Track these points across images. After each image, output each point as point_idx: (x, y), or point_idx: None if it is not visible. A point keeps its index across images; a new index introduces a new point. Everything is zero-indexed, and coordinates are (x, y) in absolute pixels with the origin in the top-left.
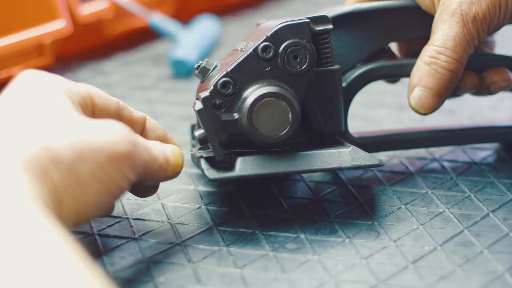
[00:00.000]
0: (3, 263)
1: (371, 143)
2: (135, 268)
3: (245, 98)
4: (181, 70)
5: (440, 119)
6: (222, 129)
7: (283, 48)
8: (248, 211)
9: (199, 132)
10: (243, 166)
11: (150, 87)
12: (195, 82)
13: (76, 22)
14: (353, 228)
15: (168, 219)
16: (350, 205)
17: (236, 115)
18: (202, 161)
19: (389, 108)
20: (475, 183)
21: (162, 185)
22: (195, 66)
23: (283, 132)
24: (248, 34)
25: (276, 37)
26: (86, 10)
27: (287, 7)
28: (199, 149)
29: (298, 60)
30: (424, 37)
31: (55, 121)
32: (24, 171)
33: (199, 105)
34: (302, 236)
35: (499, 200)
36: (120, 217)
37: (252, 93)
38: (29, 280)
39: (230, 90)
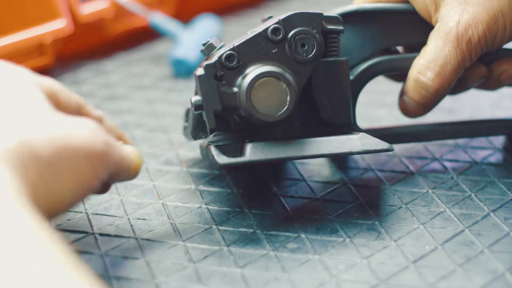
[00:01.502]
0: None
1: (379, 136)
2: (136, 267)
3: (247, 74)
4: (182, 70)
5: (441, 119)
6: (219, 99)
7: (293, 34)
8: (249, 211)
9: (195, 98)
10: (254, 151)
11: (150, 86)
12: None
13: (77, 22)
14: (354, 227)
15: (169, 218)
16: (350, 205)
17: (235, 89)
18: (212, 148)
19: (389, 108)
20: (476, 183)
21: (162, 184)
22: (203, 43)
23: (279, 113)
24: (258, 25)
25: (288, 22)
26: (86, 10)
27: (287, 7)
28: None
29: (305, 48)
30: (425, 44)
31: (32, 115)
32: (4, 164)
33: (200, 71)
34: (303, 235)
35: (499, 200)
36: (121, 217)
37: (254, 70)
38: (5, 272)
39: (234, 63)
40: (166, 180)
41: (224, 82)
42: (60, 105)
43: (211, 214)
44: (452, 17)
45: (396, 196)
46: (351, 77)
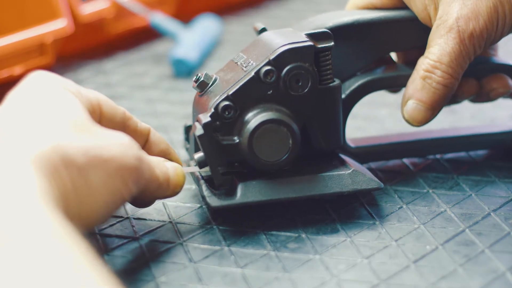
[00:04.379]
0: (5, 258)
1: (367, 153)
2: (137, 267)
3: (246, 122)
4: (182, 70)
5: (442, 118)
6: (222, 154)
7: (286, 72)
8: (249, 211)
9: (198, 155)
10: (245, 193)
11: (150, 86)
12: None
13: (77, 22)
14: (355, 227)
15: (169, 218)
16: (351, 205)
17: (236, 139)
18: (203, 187)
19: (390, 108)
20: (476, 183)
21: None
22: (194, 79)
23: (283, 158)
24: (247, 45)
25: (279, 61)
26: (87, 10)
27: (287, 6)
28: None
29: (300, 83)
30: (423, 47)
31: (68, 123)
32: (35, 167)
33: (199, 130)
34: (304, 235)
35: (500, 200)
36: (121, 217)
37: (253, 118)
38: (31, 276)
39: (231, 114)
40: None
41: (222, 132)
42: (104, 117)
43: (211, 214)
44: (451, 14)
45: (396, 196)
46: (342, 96)
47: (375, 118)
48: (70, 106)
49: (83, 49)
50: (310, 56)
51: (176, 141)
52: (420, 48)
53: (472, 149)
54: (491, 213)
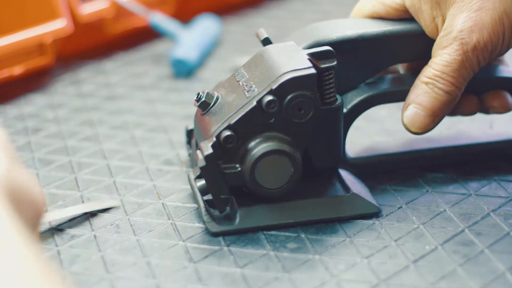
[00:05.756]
0: None
1: (366, 164)
2: (136, 267)
3: (248, 151)
4: (182, 70)
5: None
6: (224, 183)
7: (288, 101)
8: None
9: (200, 183)
10: (244, 218)
11: (150, 86)
12: (196, 81)
13: (77, 22)
14: (354, 227)
15: (169, 218)
16: None
17: (238, 167)
18: (203, 212)
19: (390, 108)
20: (476, 183)
21: (162, 184)
22: (195, 98)
23: (285, 185)
24: (249, 59)
25: (281, 90)
26: (86, 10)
27: (287, 7)
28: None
29: (302, 111)
30: (427, 59)
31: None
32: None
33: (202, 162)
34: (303, 235)
35: (499, 200)
36: (121, 217)
37: (255, 148)
38: None
39: (232, 143)
40: (166, 180)
41: (225, 160)
42: None
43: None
44: (455, 25)
45: (396, 195)
46: (344, 110)
47: (375, 118)
48: None
49: (82, 49)
50: (313, 84)
51: (176, 142)
52: (424, 60)
53: (472, 159)
54: (491, 213)
